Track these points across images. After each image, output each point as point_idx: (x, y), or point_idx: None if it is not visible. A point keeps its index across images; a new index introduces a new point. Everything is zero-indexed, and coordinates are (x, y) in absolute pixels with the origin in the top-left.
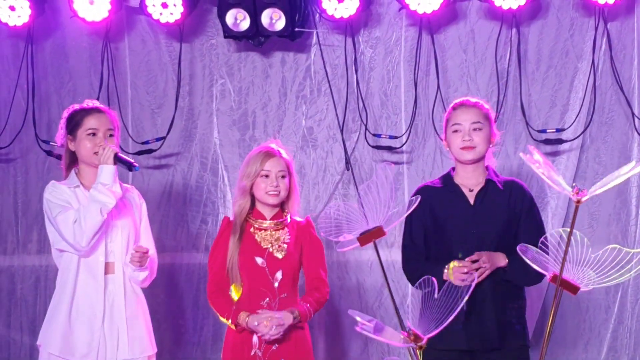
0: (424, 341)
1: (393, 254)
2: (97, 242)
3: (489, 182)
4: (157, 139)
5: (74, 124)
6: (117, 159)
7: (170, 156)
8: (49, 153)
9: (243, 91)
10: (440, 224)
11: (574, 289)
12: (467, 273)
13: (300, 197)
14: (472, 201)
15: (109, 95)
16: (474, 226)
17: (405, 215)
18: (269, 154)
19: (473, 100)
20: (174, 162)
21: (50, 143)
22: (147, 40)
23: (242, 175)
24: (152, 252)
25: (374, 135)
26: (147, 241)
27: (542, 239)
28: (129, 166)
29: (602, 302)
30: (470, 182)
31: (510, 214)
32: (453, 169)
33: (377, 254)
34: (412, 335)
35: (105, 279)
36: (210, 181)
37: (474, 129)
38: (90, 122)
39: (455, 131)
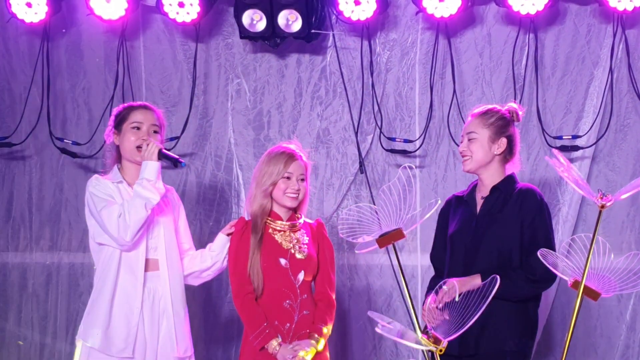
0: (444, 344)
1: (404, 258)
2: (139, 238)
3: (494, 190)
4: (171, 139)
5: (120, 118)
6: (162, 155)
7: (184, 155)
8: (63, 150)
9: (258, 91)
10: (451, 232)
11: (595, 295)
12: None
13: (314, 198)
14: (478, 210)
15: (123, 93)
16: (474, 235)
17: (424, 218)
18: (293, 157)
19: (488, 107)
20: (188, 161)
21: (64, 141)
22: (162, 39)
23: (263, 174)
24: (193, 251)
25: (389, 138)
26: (187, 240)
27: (563, 244)
28: (175, 162)
29: (613, 309)
30: (484, 190)
31: (512, 222)
32: None
33: (396, 255)
34: (431, 338)
35: (145, 276)
36: (224, 180)
37: (469, 139)
38: (136, 116)
39: (461, 142)
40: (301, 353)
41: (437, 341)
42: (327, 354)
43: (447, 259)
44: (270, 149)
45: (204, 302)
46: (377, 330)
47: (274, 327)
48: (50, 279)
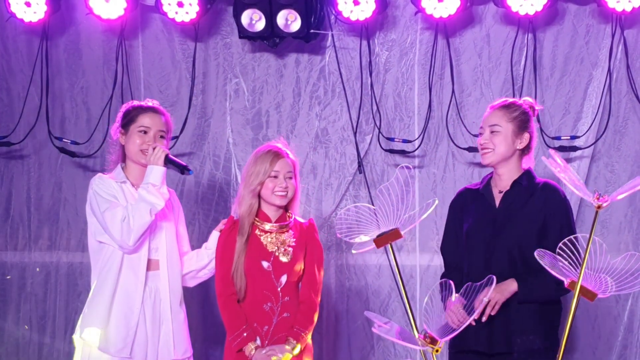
0: (440, 344)
1: (402, 258)
2: (142, 241)
3: (515, 185)
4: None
5: (128, 119)
6: (168, 161)
7: (182, 155)
8: (61, 150)
9: (257, 90)
10: (468, 226)
11: (591, 295)
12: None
13: (312, 198)
14: (497, 204)
15: (122, 92)
16: (493, 228)
17: (422, 218)
18: (278, 155)
19: (510, 101)
20: (186, 161)
21: (63, 140)
22: (161, 39)
23: (250, 175)
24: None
25: (387, 138)
26: (185, 243)
27: (560, 244)
28: (182, 169)
29: (611, 310)
30: (501, 184)
31: (535, 217)
32: None
33: (393, 255)
34: (428, 337)
35: (147, 276)
36: (222, 180)
37: (491, 132)
38: (144, 120)
39: (480, 134)
40: (274, 358)
41: (433, 341)
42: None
43: (465, 254)
44: (256, 149)
45: (202, 302)
46: (374, 330)
47: (253, 330)
48: (48, 278)
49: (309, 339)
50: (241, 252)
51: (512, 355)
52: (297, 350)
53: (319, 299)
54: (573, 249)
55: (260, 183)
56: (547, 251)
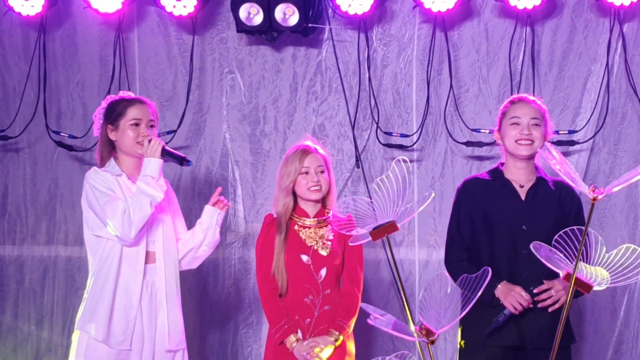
0: (436, 336)
1: (401, 253)
2: (141, 234)
3: (540, 180)
4: (168, 132)
5: (116, 113)
6: (165, 153)
7: (178, 149)
8: (59, 144)
9: (254, 85)
10: (489, 217)
11: (587, 287)
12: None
13: None
14: (523, 197)
15: (120, 86)
16: (524, 222)
17: (418, 210)
18: (306, 151)
19: (531, 97)
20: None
21: (61, 134)
22: (157, 33)
23: (282, 175)
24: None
25: (385, 133)
26: (183, 230)
27: (556, 236)
28: (181, 160)
29: (608, 305)
30: (521, 178)
31: (559, 213)
32: (502, 164)
33: (390, 248)
34: (424, 329)
35: (145, 268)
36: (219, 175)
37: (533, 125)
38: (134, 112)
39: (514, 124)
40: (316, 350)
41: (429, 333)
42: (353, 348)
43: (481, 245)
44: (287, 151)
45: (200, 296)
46: (369, 321)
47: (294, 323)
48: (47, 273)
49: (350, 329)
50: (281, 249)
51: (548, 350)
52: (339, 342)
53: (361, 293)
54: (569, 241)
55: (292, 182)
56: (542, 244)
